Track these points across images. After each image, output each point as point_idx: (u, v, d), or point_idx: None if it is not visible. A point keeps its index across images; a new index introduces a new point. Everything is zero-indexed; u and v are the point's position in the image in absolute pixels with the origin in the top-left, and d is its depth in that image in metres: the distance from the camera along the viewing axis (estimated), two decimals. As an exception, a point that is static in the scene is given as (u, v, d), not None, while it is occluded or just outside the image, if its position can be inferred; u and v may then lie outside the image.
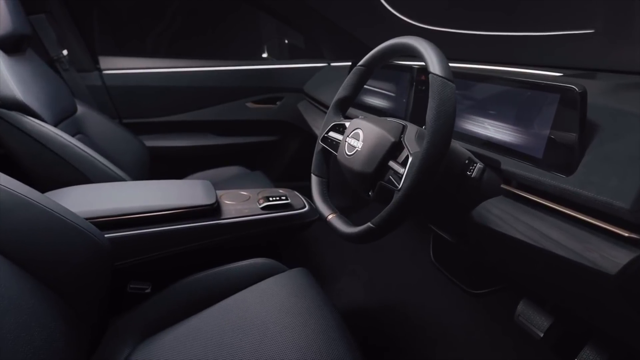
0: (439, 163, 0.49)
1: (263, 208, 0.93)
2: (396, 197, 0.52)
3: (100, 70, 1.48)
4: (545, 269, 0.58)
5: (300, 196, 1.03)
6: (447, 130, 0.48)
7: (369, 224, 0.55)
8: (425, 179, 0.49)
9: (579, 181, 0.53)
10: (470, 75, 0.72)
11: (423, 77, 0.86)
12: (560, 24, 0.88)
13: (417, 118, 0.89)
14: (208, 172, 1.46)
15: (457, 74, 0.64)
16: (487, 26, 0.99)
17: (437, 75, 0.50)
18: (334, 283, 1.33)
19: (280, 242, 1.05)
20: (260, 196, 0.98)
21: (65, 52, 1.37)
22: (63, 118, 1.13)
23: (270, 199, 0.95)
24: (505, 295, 1.16)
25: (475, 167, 0.53)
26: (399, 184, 0.52)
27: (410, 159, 0.52)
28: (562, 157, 0.56)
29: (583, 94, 0.54)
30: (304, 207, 0.98)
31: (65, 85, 1.23)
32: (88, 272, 0.70)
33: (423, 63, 0.53)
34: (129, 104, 1.54)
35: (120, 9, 1.78)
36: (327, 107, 1.37)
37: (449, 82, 0.50)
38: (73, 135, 1.15)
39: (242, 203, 0.96)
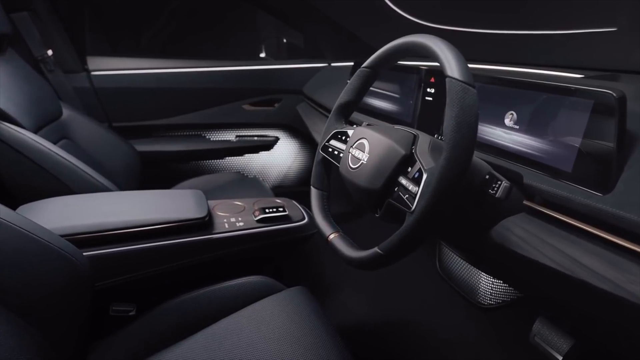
0: (459, 181, 0.42)
1: (259, 220, 0.87)
2: (409, 220, 0.45)
3: (88, 71, 1.40)
4: (576, 298, 0.51)
5: (299, 206, 0.96)
6: (468, 143, 0.42)
7: (376, 249, 0.49)
8: (443, 199, 0.43)
9: (617, 201, 0.46)
10: (489, 78, 0.66)
11: (432, 79, 0.79)
12: (579, 21, 0.81)
13: (425, 123, 0.82)
14: (202, 178, 1.38)
15: (475, 77, 0.58)
16: (500, 24, 0.92)
17: (456, 79, 0.43)
18: (335, 296, 1.27)
19: (277, 257, 0.98)
20: (256, 207, 0.92)
21: (50, 52, 1.29)
22: (46, 123, 1.06)
23: (267, 210, 0.88)
24: (519, 310, 1.09)
25: (500, 185, 0.46)
26: (412, 205, 0.45)
27: (424, 177, 0.45)
28: (596, 172, 0.49)
29: (622, 100, 0.47)
30: (303, 218, 0.91)
31: (49, 88, 1.16)
32: (64, 295, 0.63)
33: (431, 63, 0.46)
34: (119, 107, 1.47)
35: (113, 8, 1.72)
36: (327, 110, 1.30)
37: (470, 88, 0.43)
38: (58, 141, 1.09)
39: (236, 215, 0.89)
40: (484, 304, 1.12)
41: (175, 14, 1.92)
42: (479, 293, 1.14)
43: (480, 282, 1.14)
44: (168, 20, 1.91)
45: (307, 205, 0.76)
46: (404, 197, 0.47)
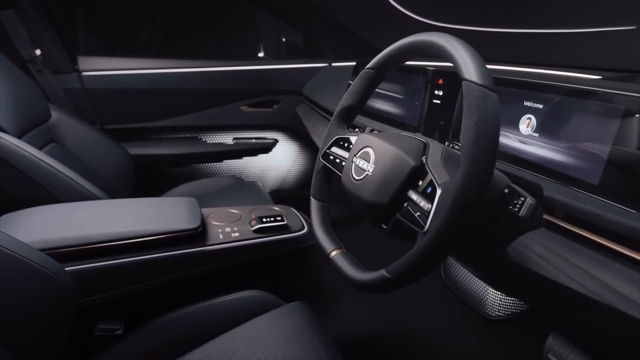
0: (479, 199, 0.37)
1: (255, 231, 0.81)
2: (421, 242, 0.40)
3: (78, 71, 1.35)
4: (606, 326, 0.46)
5: (298, 215, 0.91)
6: (489, 156, 0.37)
7: (383, 272, 0.44)
8: (460, 219, 0.38)
9: (653, 218, 0.41)
10: (502, 79, 0.61)
11: (440, 81, 0.74)
12: (596, 19, 0.76)
13: (433, 128, 0.77)
14: (198, 183, 1.33)
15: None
16: (510, 22, 0.87)
17: (474, 83, 0.38)
18: (336, 306, 1.22)
19: (275, 268, 0.93)
20: (253, 215, 0.87)
21: (38, 51, 1.24)
22: (32, 126, 1.01)
23: (264, 219, 0.83)
24: (530, 323, 1.04)
25: (525, 202, 0.41)
26: (425, 225, 0.40)
27: (438, 193, 0.40)
28: (627, 185, 0.44)
29: (658, 106, 0.42)
30: (302, 228, 0.86)
31: (37, 89, 1.11)
32: (44, 316, 0.58)
33: (439, 63, 0.41)
34: (111, 109, 1.41)
35: (107, 8, 1.67)
36: (327, 112, 1.25)
37: (491, 92, 0.38)
38: (45, 145, 1.04)
39: (232, 224, 0.84)
40: (492, 316, 1.07)
41: (172, 14, 1.87)
42: (486, 304, 1.09)
43: (488, 292, 1.09)
44: (165, 20, 1.86)
45: (306, 211, 0.72)
46: (415, 215, 0.42)
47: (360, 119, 0.99)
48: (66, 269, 0.64)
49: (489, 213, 0.47)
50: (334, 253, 0.54)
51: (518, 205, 0.41)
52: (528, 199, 0.40)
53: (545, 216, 0.52)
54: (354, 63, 1.14)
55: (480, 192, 0.37)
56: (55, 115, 1.13)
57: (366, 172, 0.50)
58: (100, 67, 1.37)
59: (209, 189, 1.31)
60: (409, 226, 0.43)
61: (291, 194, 1.75)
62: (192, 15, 1.89)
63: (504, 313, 1.06)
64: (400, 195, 0.46)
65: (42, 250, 0.62)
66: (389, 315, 1.19)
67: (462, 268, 1.19)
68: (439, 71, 0.76)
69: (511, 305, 1.06)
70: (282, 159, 1.72)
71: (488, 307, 1.08)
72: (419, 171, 0.45)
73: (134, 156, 1.32)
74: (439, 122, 0.75)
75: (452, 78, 0.73)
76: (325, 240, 0.56)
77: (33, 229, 0.69)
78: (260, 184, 1.35)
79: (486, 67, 0.40)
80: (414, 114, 0.83)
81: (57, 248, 0.66)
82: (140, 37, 1.87)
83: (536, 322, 1.01)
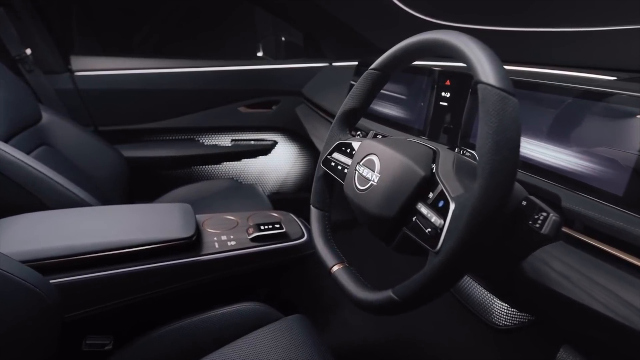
0: (498, 215, 0.33)
1: (253, 239, 0.78)
2: (433, 262, 0.36)
3: (71, 71, 1.31)
4: (632, 350, 0.43)
5: (297, 221, 0.88)
6: (510, 168, 0.33)
7: (390, 293, 0.40)
8: (477, 236, 0.34)
9: (687, 235, 0.37)
10: (522, 82, 0.57)
11: (448, 82, 0.70)
12: (608, 18, 0.73)
13: (438, 131, 0.73)
14: (195, 186, 1.30)
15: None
16: (519, 21, 0.84)
17: (492, 86, 0.34)
18: (336, 314, 1.18)
19: (273, 278, 0.89)
20: (250, 222, 0.83)
21: (28, 51, 1.20)
22: (21, 129, 0.97)
23: (262, 227, 0.79)
24: (538, 332, 1.00)
25: (547, 218, 0.37)
26: (437, 243, 0.36)
27: (452, 207, 0.37)
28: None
29: (692, 111, 0.38)
30: (302, 236, 0.82)
31: (27, 90, 1.07)
32: (27, 332, 0.54)
33: (446, 63, 0.38)
34: (105, 110, 1.37)
35: (103, 8, 1.63)
36: (328, 113, 1.21)
37: (510, 97, 0.34)
38: (35, 148, 1.00)
39: (228, 232, 0.80)
40: (499, 325, 1.04)
41: (171, 14, 1.83)
42: (493, 312, 1.05)
43: (494, 301, 1.05)
44: (163, 20, 1.83)
45: (306, 215, 0.68)
46: (425, 230, 0.39)
47: (360, 121, 0.95)
48: (51, 281, 0.60)
49: (505, 227, 0.43)
50: (335, 268, 0.50)
51: (539, 221, 0.37)
52: (551, 214, 0.36)
53: (563, 229, 0.48)
54: (356, 63, 1.10)
55: (500, 207, 0.33)
56: (46, 116, 1.09)
57: (371, 182, 0.46)
58: (93, 67, 1.33)
59: (207, 192, 1.27)
60: (418, 242, 0.40)
61: (290, 197, 1.72)
62: (191, 15, 1.86)
63: (511, 322, 1.02)
64: (408, 208, 0.42)
65: (24, 262, 0.58)
66: (391, 323, 1.15)
67: (467, 276, 1.16)
68: (445, 72, 0.72)
69: (519, 315, 1.02)
70: (281, 161, 1.68)
71: (494, 316, 1.05)
72: (429, 182, 0.42)
73: (128, 159, 1.28)
74: (445, 124, 0.72)
75: (460, 79, 0.69)
76: (326, 253, 0.52)
77: (15, 239, 0.65)
78: (259, 187, 1.32)
79: (504, 69, 0.36)
80: (419, 116, 0.79)
81: (41, 259, 0.62)
82: (138, 37, 1.83)
83: (545, 333, 0.98)
